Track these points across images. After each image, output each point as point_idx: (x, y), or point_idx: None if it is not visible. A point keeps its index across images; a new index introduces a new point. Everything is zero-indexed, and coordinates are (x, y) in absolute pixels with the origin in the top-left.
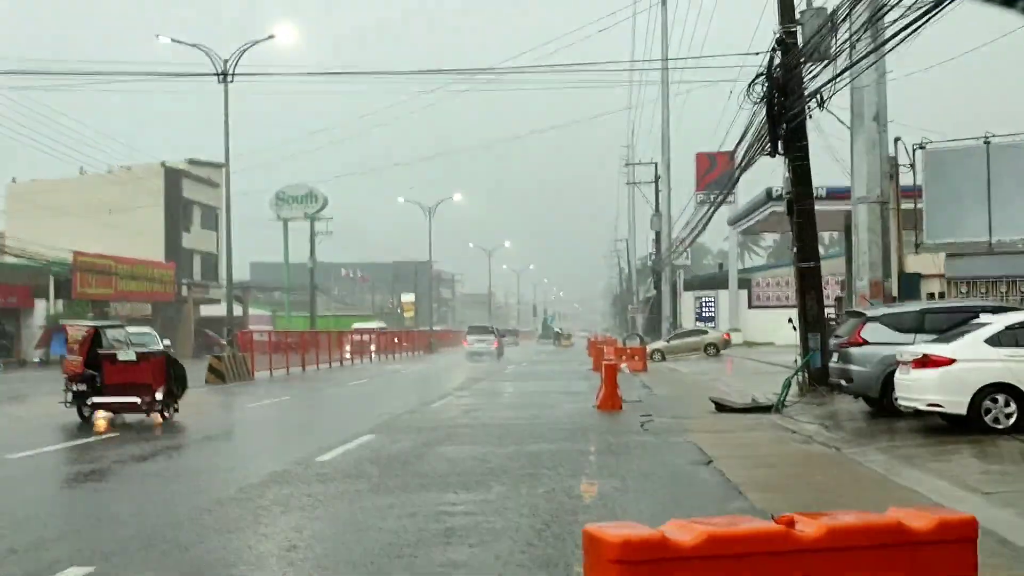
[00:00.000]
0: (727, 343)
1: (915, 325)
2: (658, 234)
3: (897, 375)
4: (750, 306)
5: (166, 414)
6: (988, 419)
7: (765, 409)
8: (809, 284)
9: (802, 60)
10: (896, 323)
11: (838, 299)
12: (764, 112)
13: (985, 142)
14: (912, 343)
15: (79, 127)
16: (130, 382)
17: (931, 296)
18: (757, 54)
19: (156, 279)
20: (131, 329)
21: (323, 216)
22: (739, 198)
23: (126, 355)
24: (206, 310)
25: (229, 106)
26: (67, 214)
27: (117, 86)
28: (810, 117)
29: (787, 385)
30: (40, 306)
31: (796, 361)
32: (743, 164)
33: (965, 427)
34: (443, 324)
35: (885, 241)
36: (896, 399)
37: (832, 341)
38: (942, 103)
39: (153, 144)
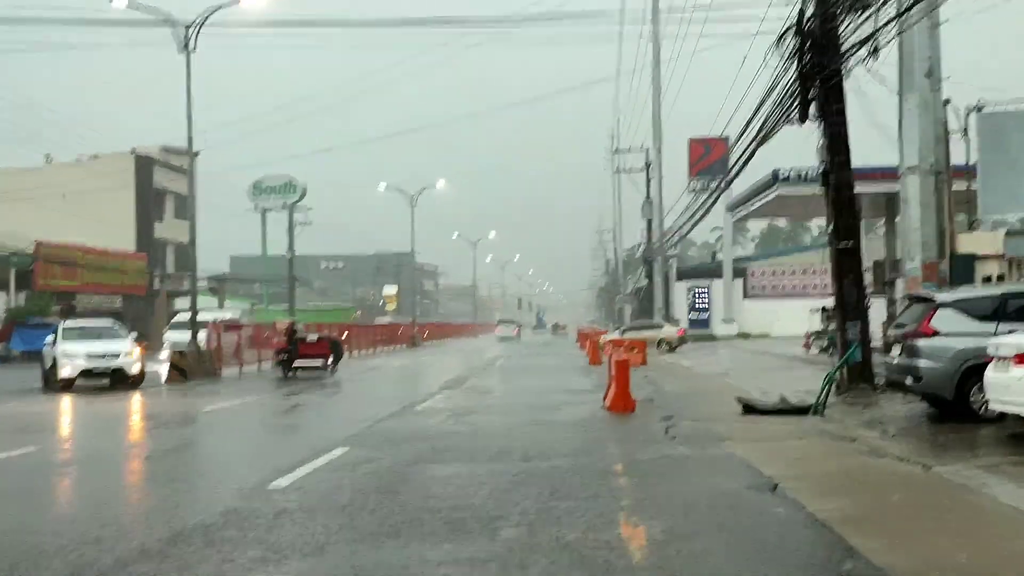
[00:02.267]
0: (682, 340)
1: (996, 312)
2: (649, 222)
3: (990, 372)
4: (745, 296)
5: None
6: None
7: (802, 411)
8: (848, 267)
9: (839, 10)
10: (974, 309)
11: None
12: (792, 71)
13: None
14: (994, 333)
15: (47, 113)
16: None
17: (987, 280)
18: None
19: (126, 271)
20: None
21: (302, 206)
22: (734, 186)
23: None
24: (181, 303)
25: (193, 80)
26: (32, 203)
27: (79, 63)
28: (847, 76)
29: (828, 383)
30: (1, 299)
31: (830, 354)
32: (761, 136)
33: None
34: (426, 317)
35: (940, 217)
36: (983, 402)
37: (892, 332)
38: (1000, 60)
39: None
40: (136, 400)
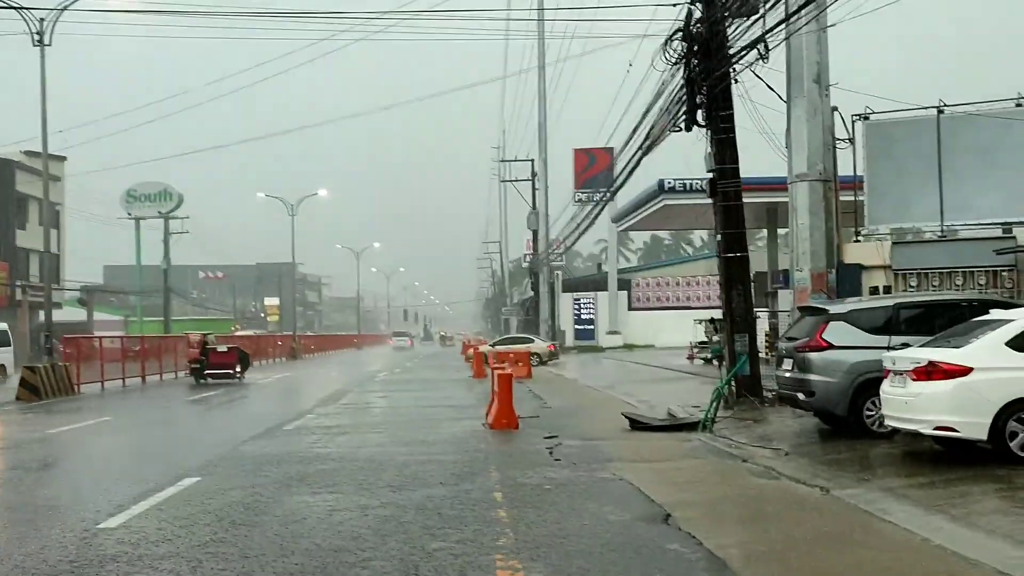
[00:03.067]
0: (553, 354)
1: (889, 323)
2: (535, 233)
3: (886, 387)
4: (630, 307)
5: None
6: (1015, 445)
7: (690, 427)
8: (736, 277)
9: (727, 14)
10: (866, 321)
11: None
12: (680, 77)
13: (939, 111)
14: (888, 346)
15: None
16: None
17: (874, 291)
18: (673, 5)
19: None
20: None
21: (178, 215)
22: (619, 197)
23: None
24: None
25: (47, 76)
26: None
27: None
28: (736, 81)
29: (717, 398)
30: None
31: (718, 366)
32: (647, 144)
33: (971, 454)
34: (310, 329)
35: (828, 226)
36: (876, 418)
37: (782, 345)
38: (885, 71)
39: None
40: None
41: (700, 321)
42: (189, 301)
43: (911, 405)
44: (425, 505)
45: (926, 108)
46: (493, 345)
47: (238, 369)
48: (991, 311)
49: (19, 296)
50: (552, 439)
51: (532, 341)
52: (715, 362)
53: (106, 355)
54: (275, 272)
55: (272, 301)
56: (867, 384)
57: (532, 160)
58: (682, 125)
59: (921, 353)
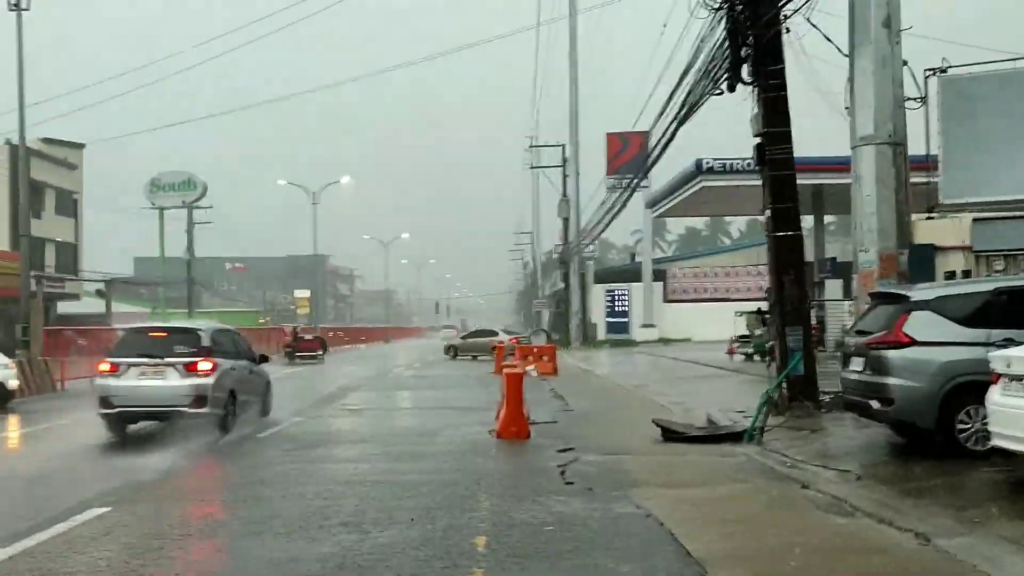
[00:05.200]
0: (512, 348)
1: (987, 314)
2: (566, 221)
3: (996, 397)
4: (666, 299)
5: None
6: None
7: (734, 437)
8: (788, 260)
9: None
10: (959, 311)
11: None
12: (720, 32)
13: None
14: (988, 341)
15: None
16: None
17: (950, 275)
18: None
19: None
20: None
21: (201, 205)
22: (653, 181)
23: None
24: (64, 307)
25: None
26: None
27: None
28: (787, 30)
29: (765, 402)
30: None
31: (768, 365)
32: (683, 114)
33: None
34: (341, 322)
35: (899, 199)
36: (972, 433)
37: (850, 340)
38: (960, 22)
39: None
40: None
41: (741, 313)
42: (216, 293)
43: None
44: (385, 559)
45: (1015, 59)
46: (463, 338)
47: (320, 352)
48: None
49: (34, 287)
50: (567, 452)
51: (497, 334)
52: (756, 357)
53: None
54: (305, 264)
55: (302, 293)
56: (960, 389)
57: (563, 146)
58: (724, 87)
59: None
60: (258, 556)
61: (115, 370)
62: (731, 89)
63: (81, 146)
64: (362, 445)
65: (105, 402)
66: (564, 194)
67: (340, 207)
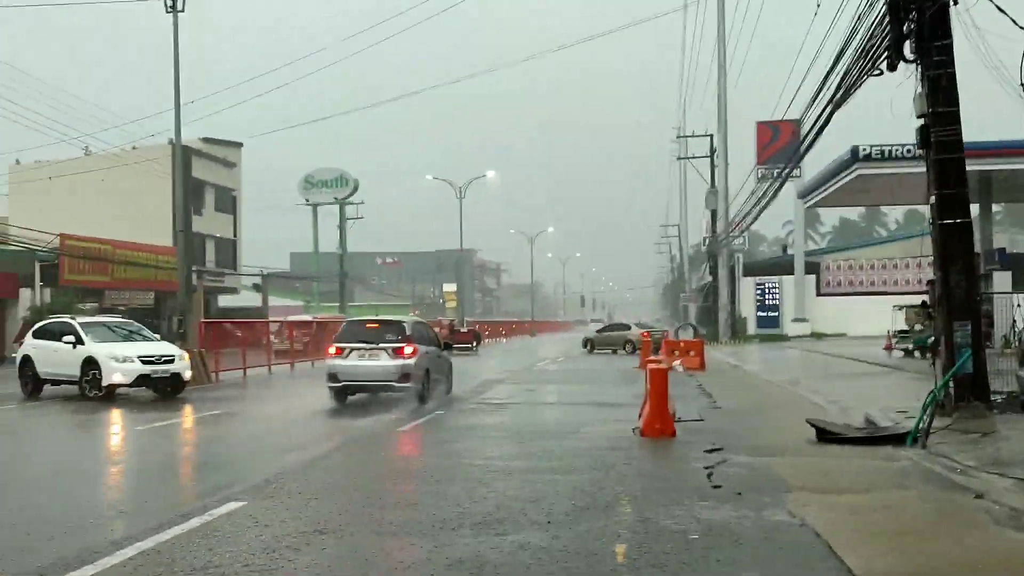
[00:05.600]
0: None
1: None
2: (713, 213)
3: None
4: (819, 293)
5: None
6: None
7: (896, 439)
8: (955, 250)
9: None
10: None
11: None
12: (880, 6)
13: None
14: None
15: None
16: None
17: None
18: None
19: (160, 266)
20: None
21: (353, 201)
22: (805, 171)
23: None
24: (224, 300)
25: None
26: (71, 197)
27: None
28: (955, 2)
29: (931, 402)
30: (26, 296)
31: (932, 363)
32: (838, 98)
33: None
34: (488, 315)
35: None
36: None
37: None
38: None
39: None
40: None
41: (900, 307)
42: (368, 287)
43: None
44: (512, 567)
45: None
46: (599, 332)
47: (474, 344)
48: None
49: (194, 281)
50: (715, 453)
51: (629, 329)
52: (917, 354)
53: (250, 341)
54: (453, 259)
55: (450, 287)
56: None
57: (711, 135)
58: (883, 66)
59: None
60: (389, 555)
61: (340, 353)
62: (891, 68)
63: (239, 144)
64: (502, 441)
65: (333, 377)
66: (712, 185)
67: (487, 201)
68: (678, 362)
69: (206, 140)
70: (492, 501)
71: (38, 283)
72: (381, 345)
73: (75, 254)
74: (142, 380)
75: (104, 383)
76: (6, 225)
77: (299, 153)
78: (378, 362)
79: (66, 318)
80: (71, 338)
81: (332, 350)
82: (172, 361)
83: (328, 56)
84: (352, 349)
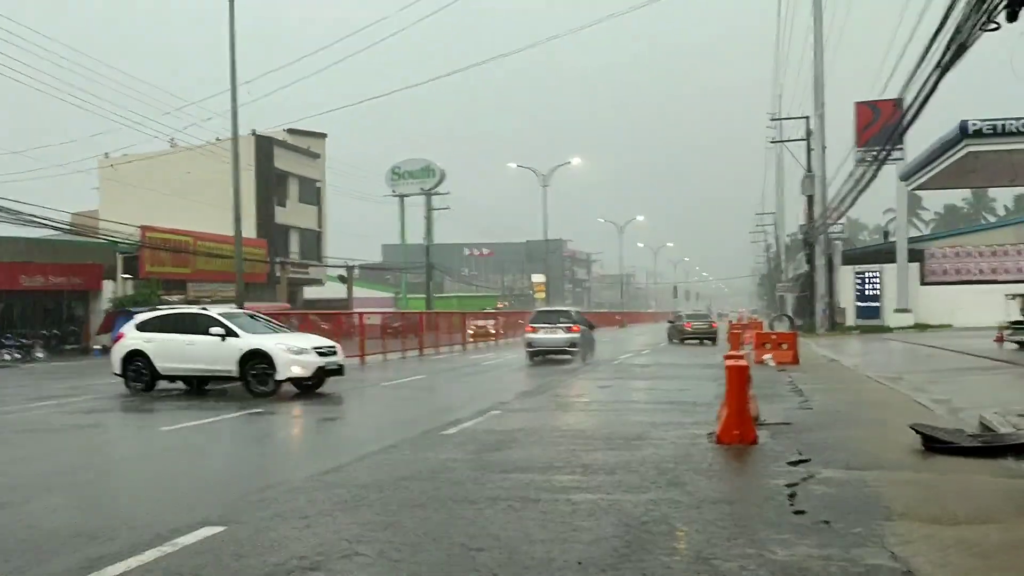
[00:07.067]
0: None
1: None
2: (810, 199)
3: None
4: (923, 282)
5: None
6: None
7: (1019, 449)
8: None
9: None
10: None
11: None
12: None
13: None
14: None
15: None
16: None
17: None
18: None
19: (244, 258)
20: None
21: (439, 191)
22: (908, 153)
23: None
24: (309, 292)
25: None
26: (158, 189)
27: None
28: None
29: None
30: (109, 288)
31: None
32: (946, 61)
33: None
34: (578, 305)
35: None
36: None
37: None
38: None
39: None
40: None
41: (1014, 296)
42: (456, 278)
43: None
44: None
45: None
46: (686, 317)
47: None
48: None
49: (277, 272)
50: (799, 466)
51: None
52: None
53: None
54: (542, 249)
55: (538, 278)
56: None
57: (807, 118)
58: (1000, 20)
59: None
60: None
61: (533, 330)
62: (1011, 18)
63: (323, 136)
64: (552, 448)
65: (530, 345)
66: (808, 169)
67: (575, 190)
68: (768, 356)
69: (290, 131)
70: (513, 530)
71: (120, 275)
72: (559, 324)
73: (156, 246)
74: (319, 373)
75: (279, 377)
76: (93, 218)
77: (385, 144)
78: (558, 336)
79: (196, 309)
80: (219, 330)
81: (529, 328)
82: (336, 353)
83: (409, 41)
84: (541, 327)
